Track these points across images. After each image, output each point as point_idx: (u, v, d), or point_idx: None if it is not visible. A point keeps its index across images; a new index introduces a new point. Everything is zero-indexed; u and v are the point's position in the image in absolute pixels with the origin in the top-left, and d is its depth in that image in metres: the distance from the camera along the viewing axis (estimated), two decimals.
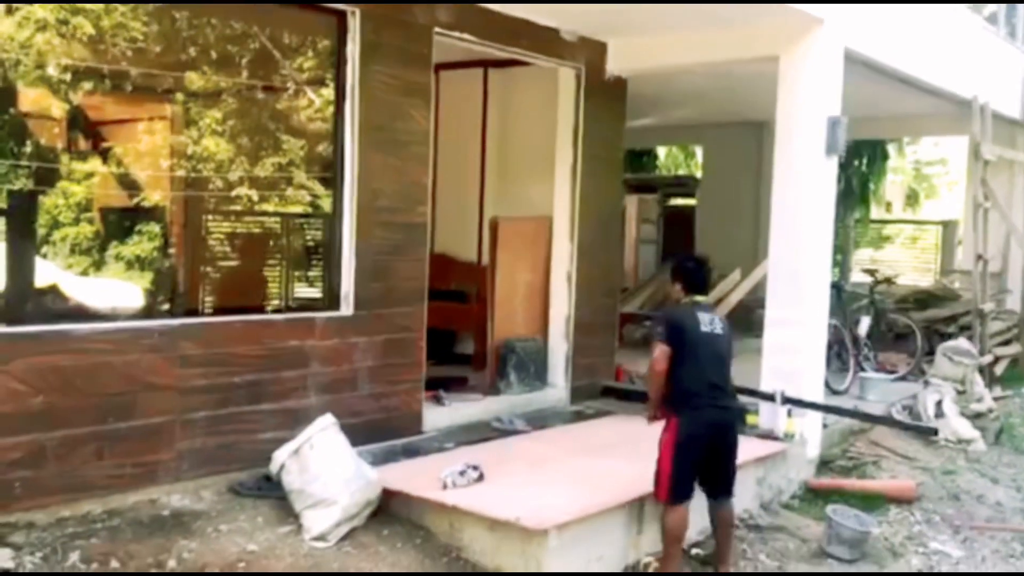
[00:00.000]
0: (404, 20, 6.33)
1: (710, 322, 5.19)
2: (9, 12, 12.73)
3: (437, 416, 6.84)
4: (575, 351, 8.06)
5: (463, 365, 8.64)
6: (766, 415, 7.14)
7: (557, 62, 7.77)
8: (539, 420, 7.29)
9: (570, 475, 5.65)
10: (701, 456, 5.08)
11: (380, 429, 6.26)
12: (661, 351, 5.10)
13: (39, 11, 12.91)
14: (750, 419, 7.10)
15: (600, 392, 8.14)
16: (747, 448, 6.58)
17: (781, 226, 7.21)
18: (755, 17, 6.91)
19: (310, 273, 8.87)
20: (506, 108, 9.18)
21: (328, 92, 6.62)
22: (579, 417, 7.57)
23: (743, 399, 7.12)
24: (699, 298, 5.36)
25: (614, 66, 8.13)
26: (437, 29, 6.54)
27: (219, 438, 5.49)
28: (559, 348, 8.10)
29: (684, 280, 5.40)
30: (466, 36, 6.80)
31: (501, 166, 9.22)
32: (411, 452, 6.14)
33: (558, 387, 8.06)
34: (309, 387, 5.92)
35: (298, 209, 12.36)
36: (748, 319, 10.70)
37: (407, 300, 6.52)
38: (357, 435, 5.73)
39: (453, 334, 9.20)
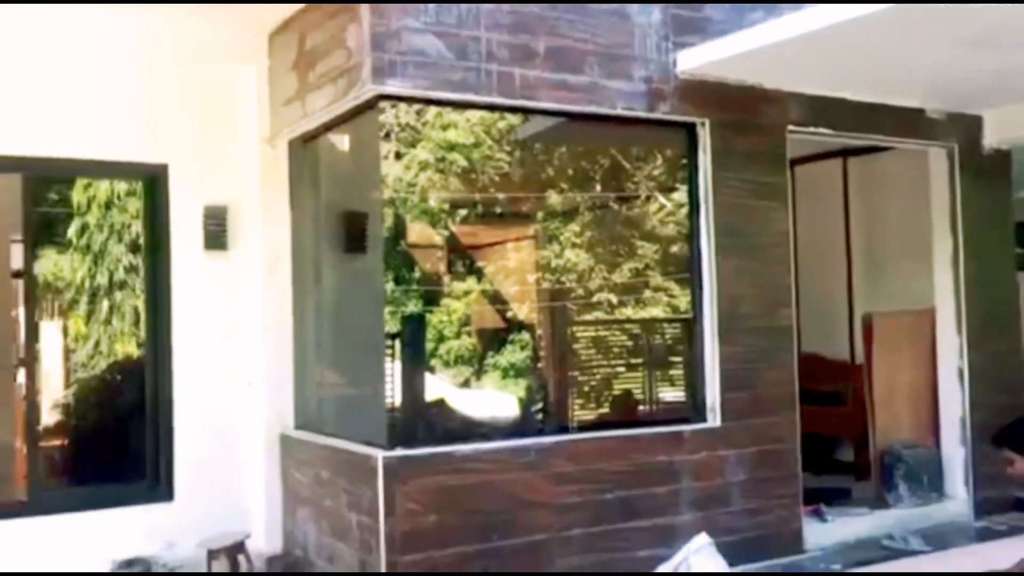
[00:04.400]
0: (755, 123, 6.23)
1: None
2: (398, 157, 14.48)
3: (819, 533, 6.36)
4: (975, 458, 7.16)
5: (843, 474, 8.01)
6: None
7: (924, 143, 7.21)
8: (938, 538, 6.51)
9: None
10: None
11: (756, 548, 5.94)
12: None
13: (422, 153, 14.57)
14: None
15: (1012, 505, 7.13)
16: None
17: None
18: None
19: (671, 373, 8.86)
20: (870, 196, 8.67)
21: (679, 196, 6.68)
22: (988, 535, 6.67)
23: None
24: None
25: (993, 139, 7.37)
26: (790, 127, 6.36)
27: (595, 556, 5.50)
28: (955, 454, 7.23)
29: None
30: (821, 130, 6.54)
31: (869, 257, 8.67)
32: (794, 573, 5.74)
33: (957, 499, 7.16)
34: (680, 503, 5.79)
35: (657, 312, 12.55)
36: None
37: (776, 408, 6.23)
38: (732, 554, 5.54)
39: (830, 440, 8.60)
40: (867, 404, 7.45)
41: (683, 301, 6.88)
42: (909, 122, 7.00)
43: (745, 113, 6.19)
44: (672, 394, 8.67)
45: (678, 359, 8.51)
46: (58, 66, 5.92)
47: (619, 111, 5.82)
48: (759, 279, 6.24)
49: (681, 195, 6.74)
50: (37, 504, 5.88)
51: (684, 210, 6.48)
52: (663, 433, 5.97)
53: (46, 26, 5.70)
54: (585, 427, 7.57)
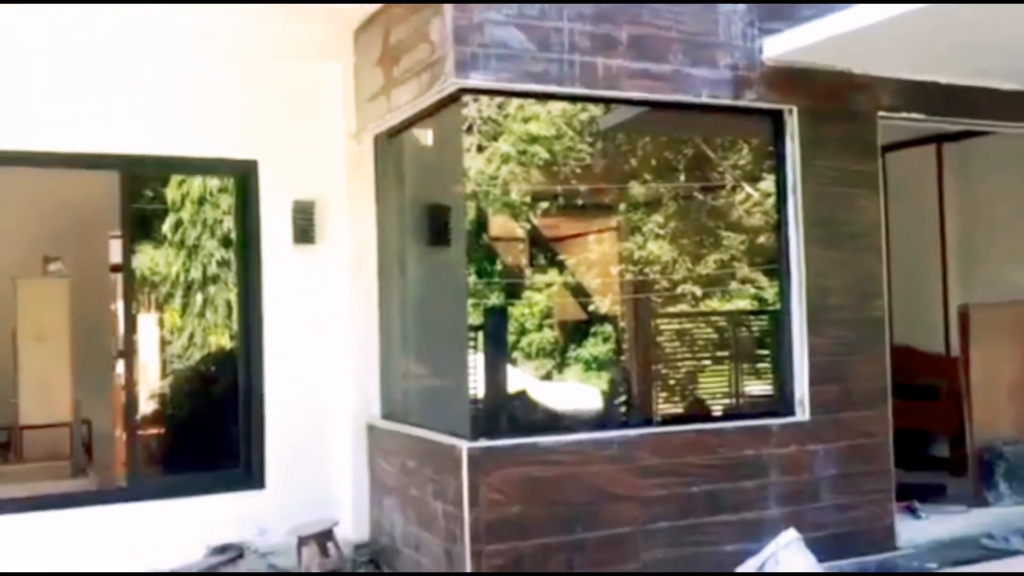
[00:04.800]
0: (844, 110, 6.06)
1: None
2: (480, 150, 14.55)
3: (913, 530, 6.18)
4: None
5: (937, 471, 7.77)
6: None
7: None
8: None
9: None
10: None
11: (846, 544, 5.80)
12: None
13: (503, 146, 14.60)
14: None
15: None
16: None
17: None
18: None
19: (758, 366, 8.70)
20: (966, 182, 8.37)
21: (765, 185, 6.55)
22: None
23: None
24: None
25: None
26: (881, 113, 6.17)
27: (680, 549, 5.44)
28: None
29: None
30: (914, 116, 6.32)
31: (965, 246, 8.37)
32: (887, 571, 5.60)
33: None
34: (768, 498, 5.68)
35: (743, 304, 12.33)
36: None
37: (867, 402, 6.06)
38: (821, 550, 5.41)
39: (924, 435, 8.35)
40: (963, 398, 7.20)
41: (770, 293, 6.76)
42: (1008, 104, 6.71)
43: (834, 99, 6.03)
44: (759, 387, 8.53)
45: (765, 352, 8.35)
46: (154, 66, 6.13)
47: (704, 99, 5.72)
48: (849, 269, 6.08)
49: (768, 184, 6.62)
50: (135, 490, 6.12)
51: (771, 199, 6.36)
52: (750, 427, 5.87)
53: (144, 28, 5.90)
54: (669, 420, 7.51)
